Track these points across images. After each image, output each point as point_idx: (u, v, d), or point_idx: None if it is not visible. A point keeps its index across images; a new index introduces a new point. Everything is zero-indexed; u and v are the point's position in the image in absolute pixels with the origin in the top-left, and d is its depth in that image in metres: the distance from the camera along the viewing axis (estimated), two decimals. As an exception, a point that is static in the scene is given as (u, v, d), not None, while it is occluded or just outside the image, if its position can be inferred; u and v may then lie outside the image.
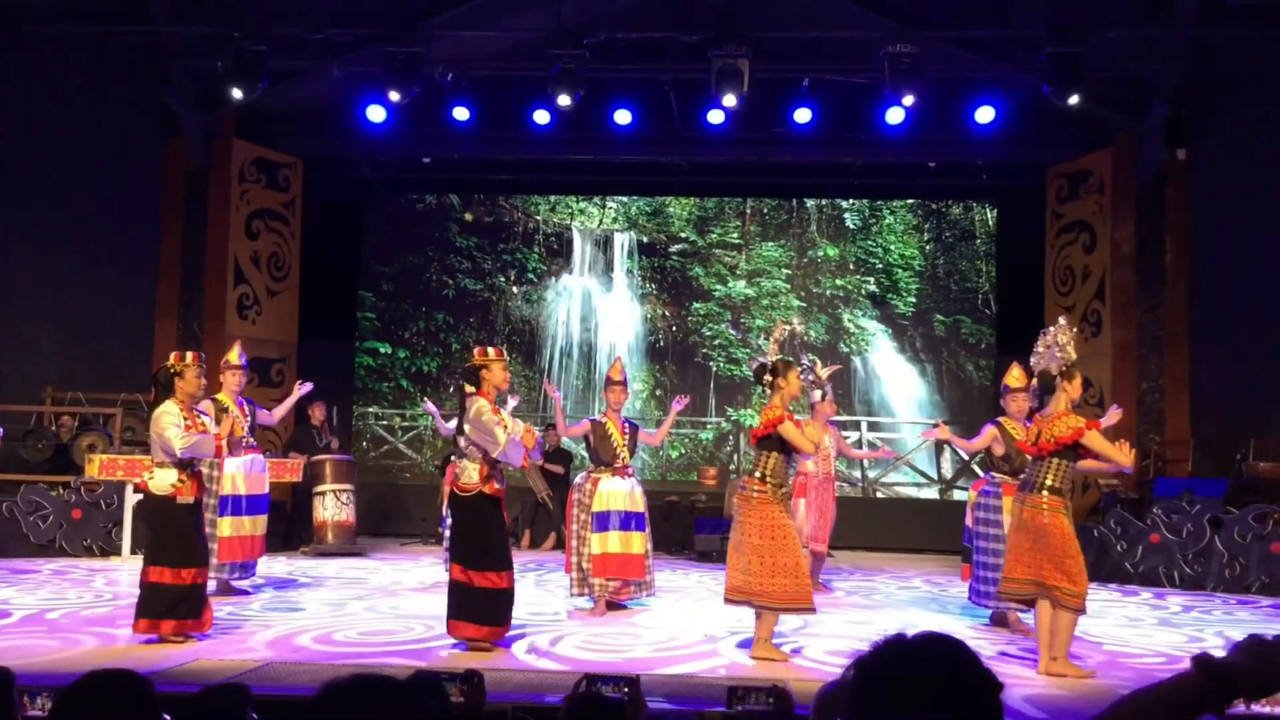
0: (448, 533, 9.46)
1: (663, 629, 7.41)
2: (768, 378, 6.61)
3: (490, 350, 6.83)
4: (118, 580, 9.29)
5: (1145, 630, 7.78)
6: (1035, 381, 6.51)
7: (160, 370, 6.88)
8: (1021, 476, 6.62)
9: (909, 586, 10.12)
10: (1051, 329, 6.51)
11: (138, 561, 10.31)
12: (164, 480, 6.57)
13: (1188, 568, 10.14)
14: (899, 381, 13.95)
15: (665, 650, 6.67)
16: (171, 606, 6.51)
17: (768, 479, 6.49)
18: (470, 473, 6.58)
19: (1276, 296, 11.31)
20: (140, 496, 6.72)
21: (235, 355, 8.64)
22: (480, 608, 6.45)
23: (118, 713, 2.31)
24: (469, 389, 6.71)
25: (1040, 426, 6.37)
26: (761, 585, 6.38)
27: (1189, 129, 11.60)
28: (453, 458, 9.99)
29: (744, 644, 6.77)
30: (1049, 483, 6.25)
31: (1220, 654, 1.71)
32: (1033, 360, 6.58)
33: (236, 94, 10.70)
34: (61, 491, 10.89)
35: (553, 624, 7.53)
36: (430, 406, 10.27)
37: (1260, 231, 11.39)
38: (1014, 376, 7.91)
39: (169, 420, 6.55)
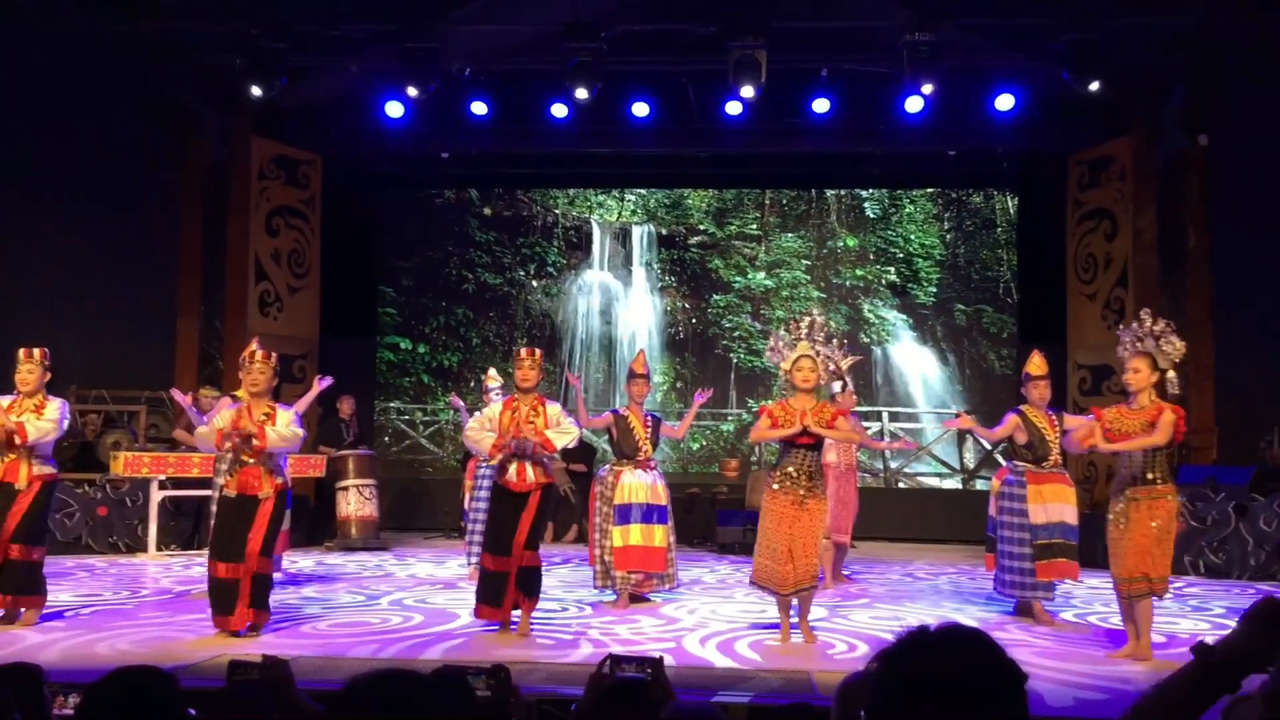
0: (472, 526, 9.52)
1: (686, 621, 7.42)
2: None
3: None
4: (143, 577, 9.34)
5: (1170, 617, 7.74)
6: (1158, 374, 6.45)
7: None
8: (1125, 470, 6.47)
9: (933, 577, 10.09)
10: (1149, 322, 6.47)
11: (163, 558, 10.47)
12: None
13: (1213, 556, 10.08)
14: (920, 371, 13.91)
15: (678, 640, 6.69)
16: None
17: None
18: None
19: (1300, 282, 11.23)
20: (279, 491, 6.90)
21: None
22: None
23: (142, 709, 2.33)
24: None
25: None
26: None
27: (1208, 114, 11.50)
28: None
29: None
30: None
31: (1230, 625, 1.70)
32: (1124, 351, 6.56)
33: (256, 92, 10.70)
34: (87, 489, 10.97)
35: (576, 617, 7.56)
36: (457, 401, 10.30)
37: (1282, 216, 11.31)
38: (1035, 364, 7.87)
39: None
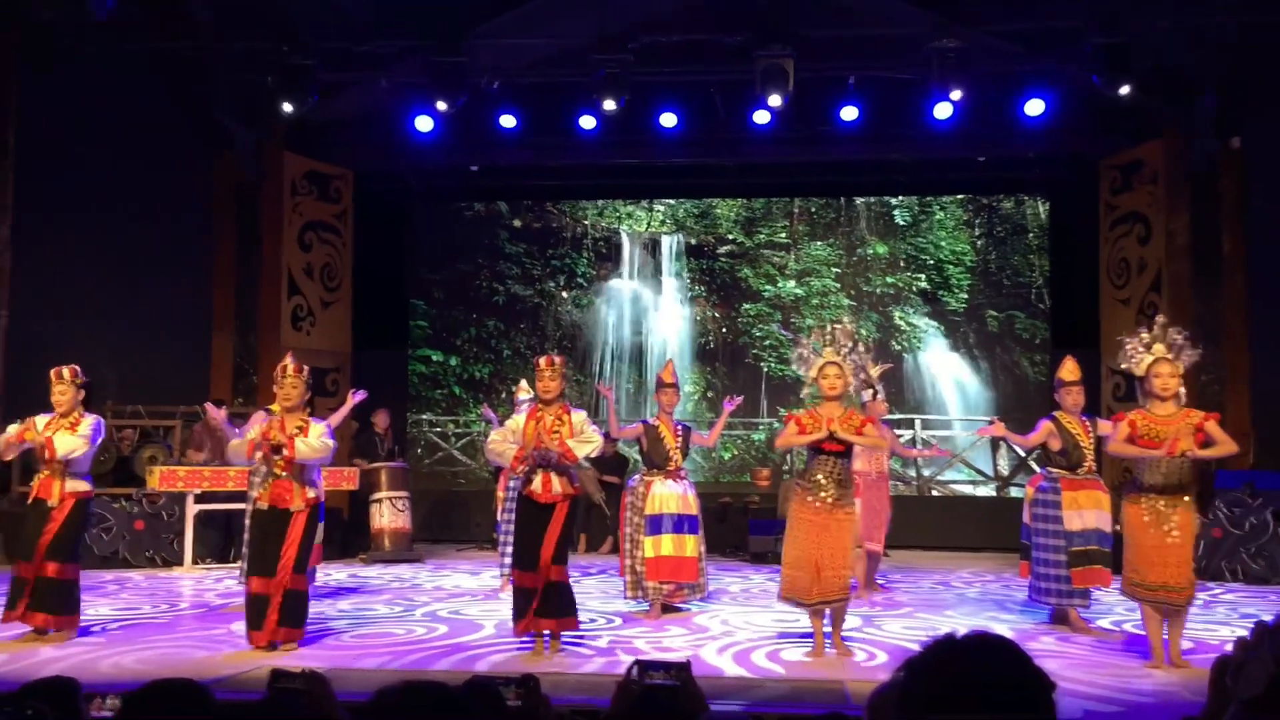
0: (504, 538, 9.51)
1: (715, 630, 7.41)
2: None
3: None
4: (179, 590, 9.41)
5: (1212, 624, 7.66)
6: (1183, 380, 6.42)
7: None
8: (1159, 476, 6.33)
9: (967, 586, 10.03)
10: (1166, 330, 6.44)
11: (199, 572, 10.54)
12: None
13: (1252, 562, 9.97)
14: (952, 379, 13.84)
15: (724, 651, 6.67)
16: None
17: None
18: None
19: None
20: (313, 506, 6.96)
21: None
22: None
23: (178, 718, 2.35)
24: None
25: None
26: None
27: (1241, 116, 11.41)
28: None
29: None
30: None
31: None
32: (1131, 358, 6.51)
33: (287, 108, 10.81)
34: (124, 503, 11.06)
35: (608, 628, 7.55)
36: (489, 413, 10.32)
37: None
38: (1068, 370, 7.82)
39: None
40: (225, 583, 9.73)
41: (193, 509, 10.75)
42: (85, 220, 12.17)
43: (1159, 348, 6.36)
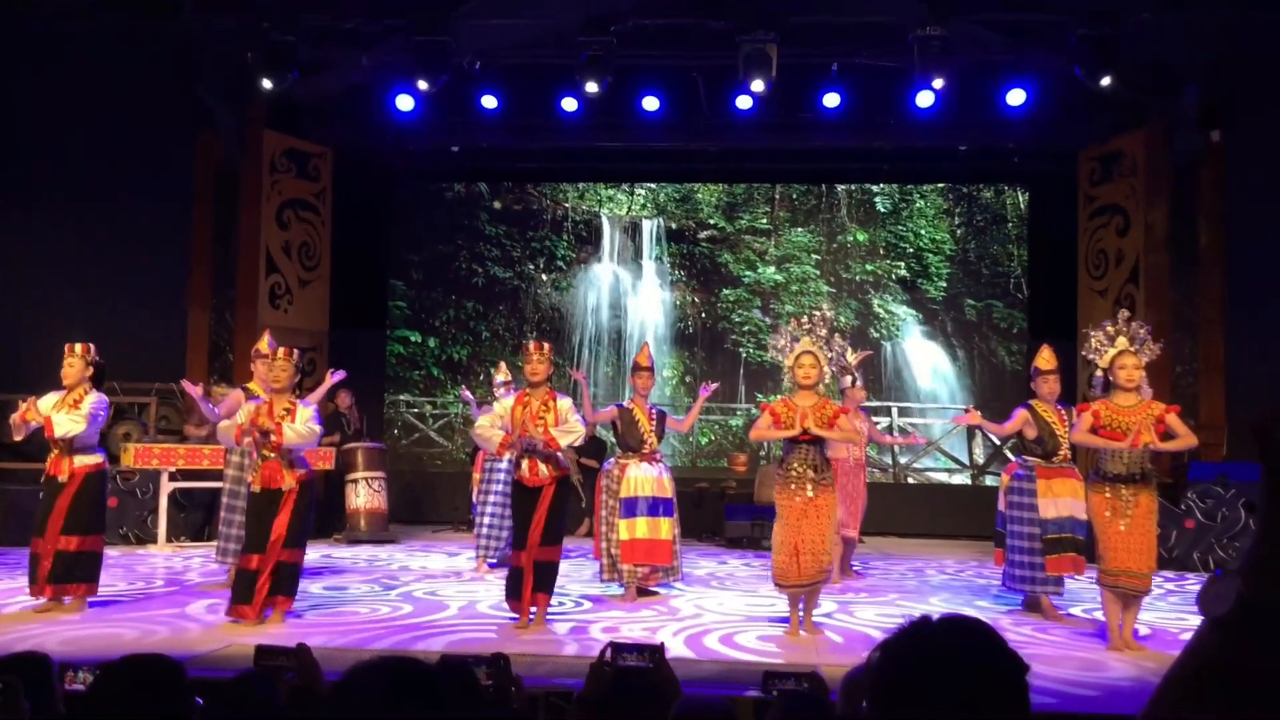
0: (480, 519, 9.55)
1: (692, 613, 7.43)
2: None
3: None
4: (154, 568, 9.38)
5: (1180, 615, 7.72)
6: (1145, 374, 6.56)
7: None
8: (1128, 471, 6.50)
9: (941, 573, 10.08)
10: (1129, 323, 6.57)
11: (173, 549, 10.50)
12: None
13: (1223, 553, 10.05)
14: (930, 367, 13.89)
15: (689, 633, 6.69)
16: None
17: None
18: None
19: (1312, 278, 11.17)
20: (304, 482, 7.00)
21: (265, 344, 8.68)
22: None
23: (150, 696, 2.35)
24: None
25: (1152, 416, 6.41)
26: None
27: (1223, 110, 11.45)
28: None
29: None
30: None
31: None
32: (1095, 349, 6.63)
33: (267, 85, 10.73)
34: (98, 480, 10.99)
35: (582, 610, 7.57)
36: (467, 394, 10.32)
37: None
38: (1044, 359, 7.86)
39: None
40: (195, 560, 9.71)
41: (167, 487, 10.71)
42: (64, 196, 12.08)
43: (1122, 340, 6.49)
